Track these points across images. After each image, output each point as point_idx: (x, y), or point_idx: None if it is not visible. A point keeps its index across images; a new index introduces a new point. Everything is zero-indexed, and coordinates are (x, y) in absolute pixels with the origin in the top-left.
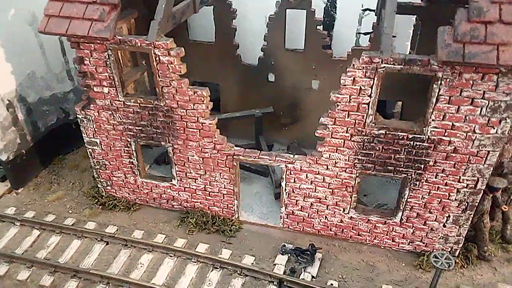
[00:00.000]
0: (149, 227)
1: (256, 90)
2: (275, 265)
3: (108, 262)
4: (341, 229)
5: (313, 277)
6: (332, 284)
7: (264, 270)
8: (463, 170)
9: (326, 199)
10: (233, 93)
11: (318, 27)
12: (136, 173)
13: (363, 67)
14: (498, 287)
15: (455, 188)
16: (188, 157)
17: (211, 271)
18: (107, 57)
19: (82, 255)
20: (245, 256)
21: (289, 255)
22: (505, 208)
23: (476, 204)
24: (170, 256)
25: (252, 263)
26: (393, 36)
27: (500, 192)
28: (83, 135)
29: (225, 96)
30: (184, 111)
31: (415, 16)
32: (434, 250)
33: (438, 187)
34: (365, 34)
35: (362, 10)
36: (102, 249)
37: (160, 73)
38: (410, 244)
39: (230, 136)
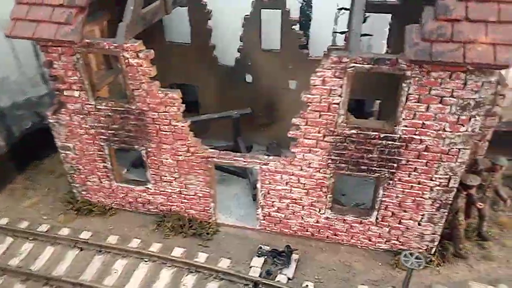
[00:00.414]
0: (124, 232)
1: (234, 91)
2: (251, 267)
3: (82, 268)
4: (317, 230)
5: (289, 278)
6: (307, 286)
7: (240, 273)
8: (435, 169)
9: (302, 200)
10: (211, 94)
11: (293, 26)
12: (111, 177)
13: (332, 67)
14: (470, 285)
15: (428, 186)
16: (162, 160)
17: (186, 275)
18: (75, 60)
19: (55, 262)
20: (221, 259)
21: (265, 257)
22: (480, 205)
23: (450, 202)
24: (145, 261)
25: (228, 266)
26: (369, 35)
27: (474, 189)
28: (56, 140)
29: (203, 97)
30: (156, 113)
31: (391, 14)
32: (411, 249)
33: (412, 185)
34: (341, 33)
35: (338, 9)
36: (75, 256)
37: (130, 75)
38: (387, 243)
39: (209, 137)
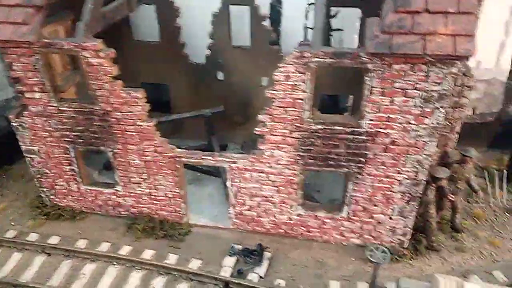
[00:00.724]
0: (94, 236)
1: (206, 89)
2: (222, 267)
3: (49, 274)
4: (290, 227)
5: (261, 277)
6: (279, 284)
7: (210, 273)
8: (403, 162)
9: (273, 197)
10: (183, 93)
11: (262, 23)
12: (79, 180)
13: (294, 62)
14: (434, 277)
15: (396, 180)
16: (129, 162)
17: (156, 277)
18: (35, 61)
19: (22, 268)
20: (192, 260)
21: (238, 256)
22: (451, 197)
23: (420, 195)
24: (114, 264)
25: (199, 267)
26: (340, 30)
27: (445, 181)
28: (20, 143)
29: (175, 96)
30: (120, 114)
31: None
32: (383, 243)
33: (380, 179)
34: (312, 28)
35: (308, 4)
36: (43, 261)
37: (91, 75)
38: (360, 238)
39: (184, 137)
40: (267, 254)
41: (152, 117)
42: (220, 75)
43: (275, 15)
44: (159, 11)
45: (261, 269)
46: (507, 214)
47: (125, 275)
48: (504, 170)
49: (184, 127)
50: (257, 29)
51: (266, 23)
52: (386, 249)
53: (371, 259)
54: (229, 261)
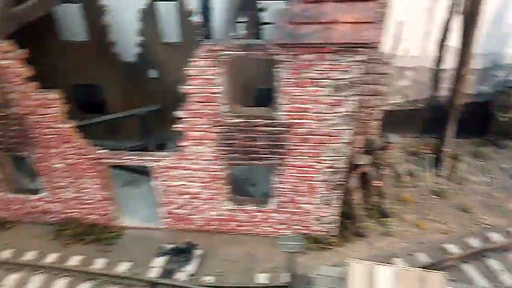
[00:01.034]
0: (21, 245)
1: (140, 88)
2: (152, 268)
3: None
4: (221, 222)
5: (191, 275)
6: (208, 280)
7: (137, 275)
8: (321, 151)
9: (201, 194)
10: (117, 93)
11: (189, 18)
12: (3, 188)
13: (206, 56)
14: (348, 263)
15: (317, 169)
16: (52, 166)
17: (82, 283)
18: None
19: None
20: (121, 263)
21: (168, 256)
22: (376, 183)
23: (343, 182)
24: (38, 273)
25: (130, 269)
26: (271, 23)
27: (367, 168)
28: None
29: (109, 96)
30: (37, 117)
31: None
32: (312, 232)
33: (302, 169)
34: (241, 22)
35: None
36: None
37: (2, 78)
38: (289, 229)
39: (121, 138)
40: (197, 252)
41: (84, 119)
42: (153, 73)
43: (205, 10)
44: (84, 9)
45: (191, 267)
46: (434, 197)
47: (49, 283)
48: (432, 155)
49: (121, 128)
50: (185, 24)
51: (195, 18)
52: (300, 238)
53: (282, 249)
54: (159, 262)
